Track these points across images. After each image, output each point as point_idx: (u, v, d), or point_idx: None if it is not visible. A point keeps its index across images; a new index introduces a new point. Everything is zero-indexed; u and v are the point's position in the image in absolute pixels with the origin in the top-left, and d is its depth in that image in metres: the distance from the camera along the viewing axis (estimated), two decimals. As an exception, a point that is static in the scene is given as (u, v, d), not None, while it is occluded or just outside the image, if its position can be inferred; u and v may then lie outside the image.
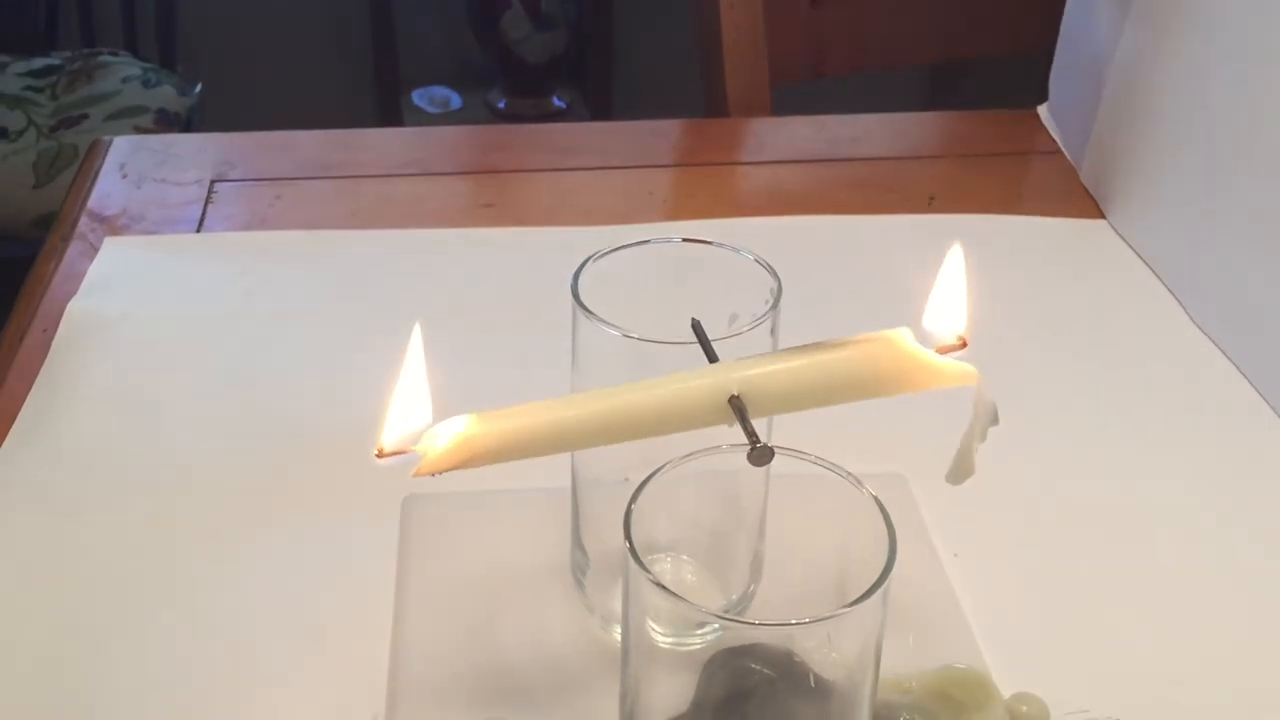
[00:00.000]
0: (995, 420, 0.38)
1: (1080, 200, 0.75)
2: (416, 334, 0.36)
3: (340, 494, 0.53)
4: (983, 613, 0.48)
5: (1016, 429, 0.56)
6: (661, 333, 0.40)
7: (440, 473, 0.34)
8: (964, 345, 0.38)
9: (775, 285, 0.42)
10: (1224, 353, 0.62)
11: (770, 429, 0.43)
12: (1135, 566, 0.51)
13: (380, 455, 0.34)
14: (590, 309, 0.41)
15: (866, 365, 0.37)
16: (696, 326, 0.38)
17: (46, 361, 0.59)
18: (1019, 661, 0.46)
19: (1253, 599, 0.50)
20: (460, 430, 0.34)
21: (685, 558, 0.45)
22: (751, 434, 0.34)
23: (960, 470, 0.39)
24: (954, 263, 0.40)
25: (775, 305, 0.41)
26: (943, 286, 0.39)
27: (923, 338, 0.38)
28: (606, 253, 0.43)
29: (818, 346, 0.37)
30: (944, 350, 0.38)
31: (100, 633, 0.47)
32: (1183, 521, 0.53)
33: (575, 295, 0.41)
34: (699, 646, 0.36)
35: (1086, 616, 0.49)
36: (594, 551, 0.46)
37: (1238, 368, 0.61)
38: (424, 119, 2.03)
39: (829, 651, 0.35)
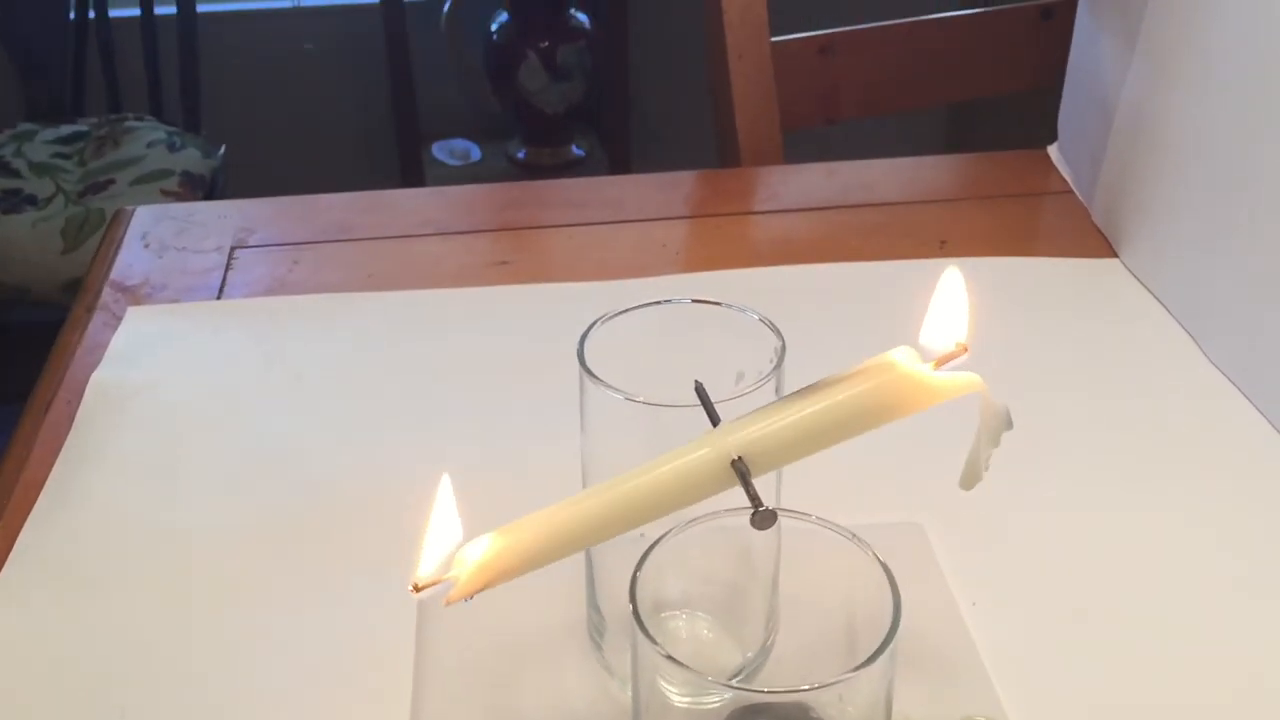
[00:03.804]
0: (1009, 425, 0.37)
1: (1092, 240, 0.75)
2: (446, 483, 0.36)
3: (360, 558, 0.53)
4: (1002, 662, 0.48)
5: (1032, 472, 0.57)
6: (671, 391, 0.40)
7: (471, 596, 0.35)
8: (965, 351, 0.36)
9: (779, 345, 0.42)
10: (1241, 390, 0.62)
11: (780, 480, 0.43)
12: (1156, 612, 0.51)
13: (416, 590, 0.35)
14: (596, 372, 0.41)
15: (865, 398, 0.36)
16: (699, 389, 0.38)
17: (71, 433, 0.60)
18: (1039, 711, 0.46)
19: (1278, 643, 0.49)
20: (483, 552, 0.35)
21: (700, 614, 0.46)
22: (754, 498, 0.34)
23: (971, 475, 0.38)
24: (950, 282, 0.38)
25: (779, 365, 0.42)
26: (939, 302, 0.38)
27: (924, 355, 0.37)
28: (613, 315, 0.44)
29: (814, 388, 0.36)
30: (945, 360, 0.36)
31: (125, 703, 0.47)
32: (1204, 565, 0.53)
33: (581, 360, 0.42)
34: (716, 705, 0.37)
35: (1107, 664, 0.48)
36: (610, 613, 0.46)
37: (1255, 405, 0.61)
38: (445, 171, 2.05)
39: (844, 706, 0.35)
